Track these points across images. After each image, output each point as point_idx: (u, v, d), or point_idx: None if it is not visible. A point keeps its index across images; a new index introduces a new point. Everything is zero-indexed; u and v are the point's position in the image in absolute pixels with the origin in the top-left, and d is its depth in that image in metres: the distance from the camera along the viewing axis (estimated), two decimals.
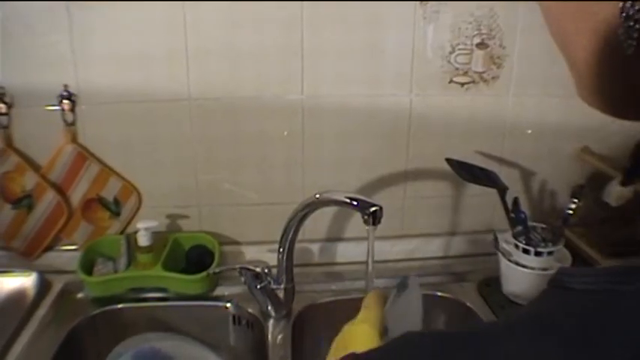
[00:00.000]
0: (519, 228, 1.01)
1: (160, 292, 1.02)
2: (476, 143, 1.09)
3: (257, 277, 0.95)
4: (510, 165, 1.12)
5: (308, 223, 0.92)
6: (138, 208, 1.07)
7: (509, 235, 1.02)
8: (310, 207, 0.88)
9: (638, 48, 0.27)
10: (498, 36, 1.02)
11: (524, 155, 1.12)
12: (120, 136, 1.02)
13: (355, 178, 1.09)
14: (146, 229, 1.00)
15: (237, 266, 0.96)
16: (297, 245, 0.95)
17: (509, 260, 1.00)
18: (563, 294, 0.33)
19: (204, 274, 0.99)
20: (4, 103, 0.97)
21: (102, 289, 1.00)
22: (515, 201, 1.01)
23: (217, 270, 1.00)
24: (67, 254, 1.06)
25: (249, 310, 1.00)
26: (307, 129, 1.05)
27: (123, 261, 1.01)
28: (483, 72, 1.04)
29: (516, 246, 1.00)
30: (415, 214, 1.14)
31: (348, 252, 1.14)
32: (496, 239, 1.03)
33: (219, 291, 1.04)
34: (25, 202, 1.02)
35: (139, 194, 1.07)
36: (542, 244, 0.99)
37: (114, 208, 1.06)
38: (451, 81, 1.04)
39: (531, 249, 0.98)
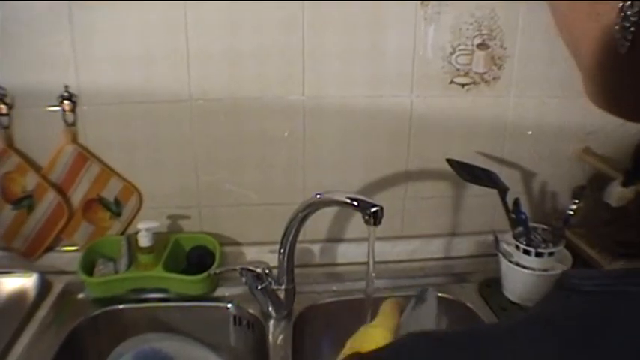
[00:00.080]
0: (520, 229, 1.01)
1: (161, 293, 1.02)
2: (477, 144, 1.09)
3: (258, 277, 0.95)
4: (511, 166, 1.12)
5: (309, 223, 0.92)
6: (139, 209, 1.07)
7: (509, 236, 1.02)
8: (311, 207, 0.88)
9: (632, 48, 0.28)
10: (499, 37, 1.02)
11: (525, 156, 1.12)
12: (121, 136, 1.02)
13: (356, 179, 1.09)
14: (147, 229, 1.00)
15: (238, 267, 0.96)
16: (298, 246, 0.94)
17: (510, 261, 1.00)
18: (567, 296, 0.33)
19: (204, 274, 0.99)
20: (5, 103, 0.97)
21: (103, 289, 1.00)
22: (516, 202, 1.01)
23: (218, 270, 1.00)
24: (68, 255, 1.06)
25: (250, 311, 1.00)
26: (308, 129, 1.05)
27: (124, 261, 1.01)
28: (484, 73, 1.04)
29: (517, 247, 1.00)
30: (416, 215, 1.14)
31: (348, 252, 1.14)
32: (497, 240, 1.03)
33: (220, 291, 1.04)
34: (25, 203, 1.02)
35: (139, 195, 1.07)
36: (543, 245, 0.99)
37: (115, 209, 1.06)
38: (452, 82, 1.04)
39: (532, 250, 0.98)
